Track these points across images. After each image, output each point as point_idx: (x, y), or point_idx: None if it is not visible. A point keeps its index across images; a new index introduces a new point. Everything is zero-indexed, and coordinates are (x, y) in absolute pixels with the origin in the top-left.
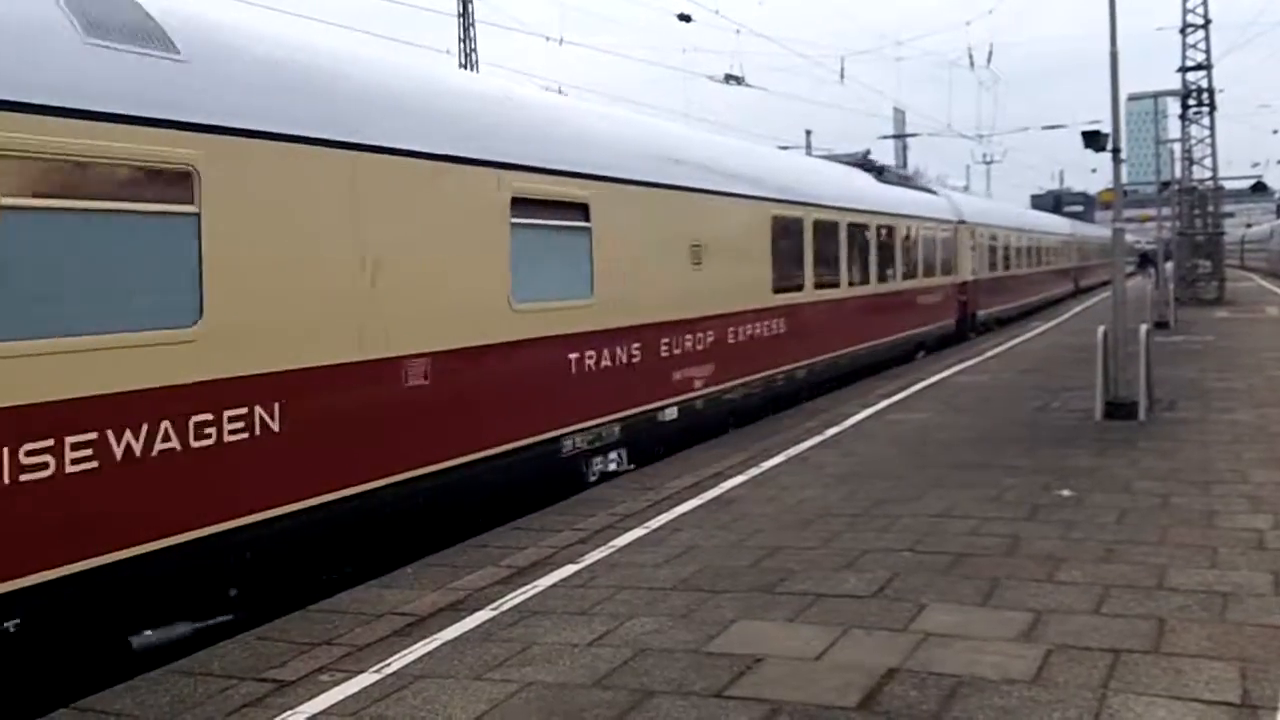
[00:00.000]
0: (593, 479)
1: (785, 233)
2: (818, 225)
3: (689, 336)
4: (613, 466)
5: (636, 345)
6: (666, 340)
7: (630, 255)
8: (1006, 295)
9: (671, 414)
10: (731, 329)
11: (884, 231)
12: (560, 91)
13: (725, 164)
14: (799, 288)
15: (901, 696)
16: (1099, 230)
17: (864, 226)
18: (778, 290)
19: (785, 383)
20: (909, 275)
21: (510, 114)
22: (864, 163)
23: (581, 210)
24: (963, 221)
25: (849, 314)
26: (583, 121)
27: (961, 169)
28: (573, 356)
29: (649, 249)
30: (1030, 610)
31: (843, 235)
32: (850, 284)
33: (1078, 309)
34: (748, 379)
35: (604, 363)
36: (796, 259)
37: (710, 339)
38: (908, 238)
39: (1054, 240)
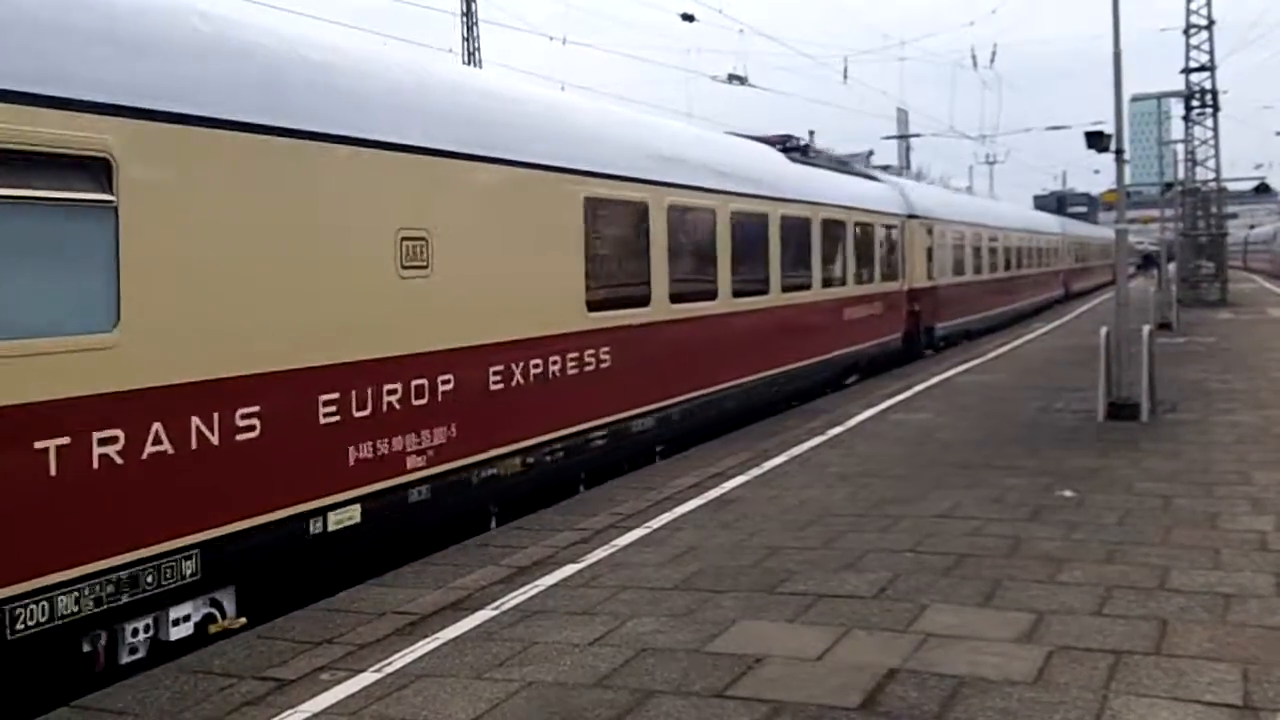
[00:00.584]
0: (128, 659)
1: (614, 223)
2: (677, 213)
3: (395, 386)
4: (185, 631)
5: (248, 412)
6: (335, 396)
7: (227, 254)
8: (975, 304)
9: (348, 516)
10: (497, 369)
11: (794, 225)
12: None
13: (486, 116)
14: (641, 302)
15: (903, 697)
16: (1094, 229)
17: (760, 217)
18: (600, 307)
19: (609, 441)
20: (833, 281)
21: None
22: (782, 139)
23: (94, 172)
24: (914, 216)
25: (736, 335)
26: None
27: (964, 169)
28: (53, 445)
29: (283, 243)
30: (1032, 611)
31: (722, 228)
32: (737, 294)
33: (1081, 310)
34: (531, 443)
35: (154, 449)
36: (638, 261)
37: (447, 387)
38: (831, 234)
39: (1040, 239)
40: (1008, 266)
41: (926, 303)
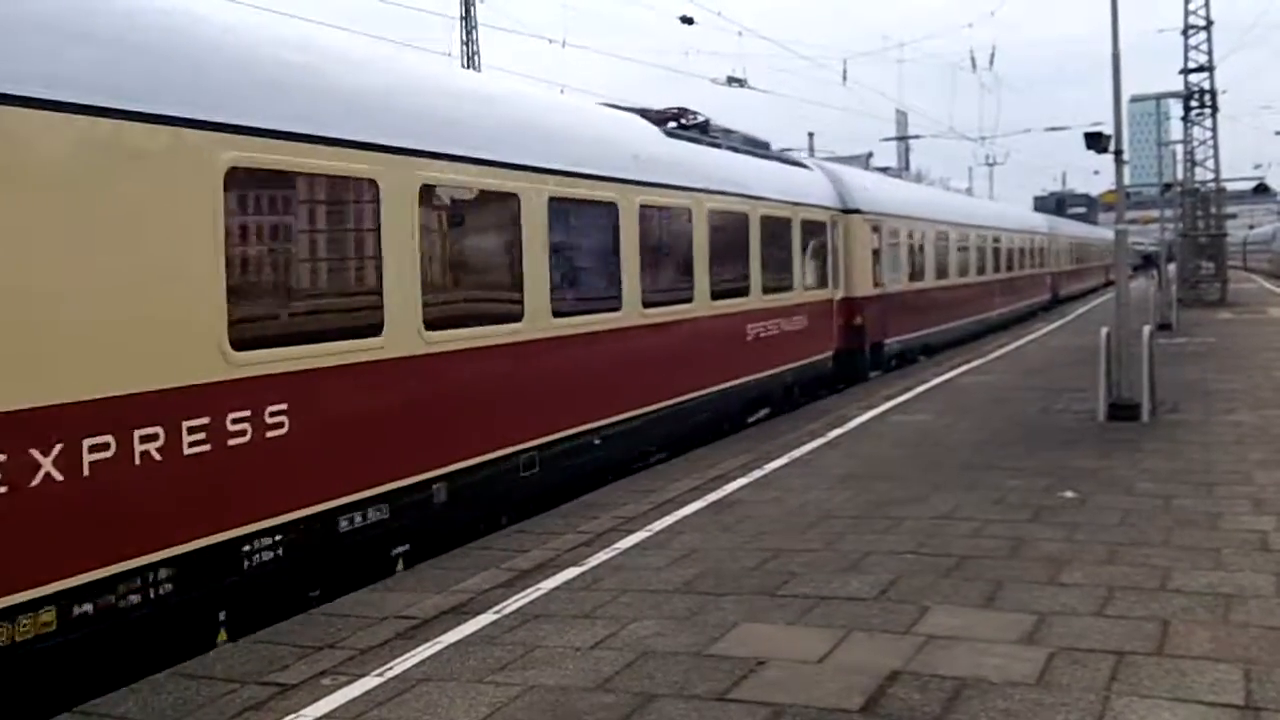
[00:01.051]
0: None
1: (307, 213)
2: (442, 199)
3: None
4: None
5: None
6: None
7: None
8: (937, 314)
9: None
10: None
11: (665, 219)
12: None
13: None
14: (366, 330)
15: (904, 699)
16: (1088, 229)
17: (605, 207)
18: (264, 343)
19: (284, 555)
20: (728, 291)
21: None
22: (676, 113)
23: None
24: (854, 210)
25: (559, 370)
26: None
27: (964, 171)
28: None
29: None
30: (1033, 612)
31: (534, 222)
32: (562, 313)
33: (1081, 310)
34: (89, 580)
35: None
36: (361, 270)
37: None
38: (726, 230)
39: (1023, 239)
40: (981, 270)
41: (872, 314)
